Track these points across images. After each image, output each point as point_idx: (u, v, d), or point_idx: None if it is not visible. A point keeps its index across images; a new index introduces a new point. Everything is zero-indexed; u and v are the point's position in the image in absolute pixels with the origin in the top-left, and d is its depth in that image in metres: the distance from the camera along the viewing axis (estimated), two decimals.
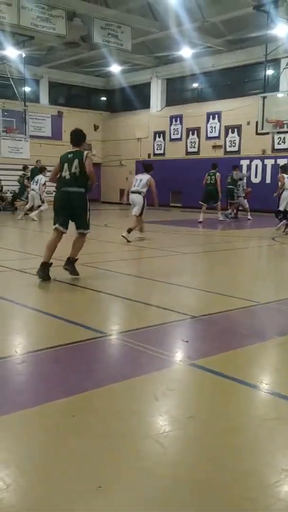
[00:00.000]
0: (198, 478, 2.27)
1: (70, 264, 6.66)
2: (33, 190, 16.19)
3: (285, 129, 16.78)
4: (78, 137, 6.91)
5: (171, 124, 24.80)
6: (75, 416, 2.82)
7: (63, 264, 6.67)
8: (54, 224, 6.65)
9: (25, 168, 18.98)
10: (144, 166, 11.58)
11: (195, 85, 24.50)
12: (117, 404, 3.01)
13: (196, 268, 8.41)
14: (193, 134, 23.89)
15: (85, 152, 6.63)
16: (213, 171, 16.04)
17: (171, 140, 24.87)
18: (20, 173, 19.10)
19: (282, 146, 20.48)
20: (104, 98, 29.13)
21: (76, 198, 6.55)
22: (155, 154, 25.54)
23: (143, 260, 8.86)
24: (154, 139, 25.64)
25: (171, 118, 24.76)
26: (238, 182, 17.75)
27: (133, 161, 26.04)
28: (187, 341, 4.20)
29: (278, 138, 20.27)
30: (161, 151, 25.38)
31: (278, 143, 20.53)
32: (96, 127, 28.25)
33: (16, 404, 2.95)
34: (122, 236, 10.49)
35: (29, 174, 18.51)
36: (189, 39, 20.14)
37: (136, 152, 26.06)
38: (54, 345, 4.00)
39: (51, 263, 6.52)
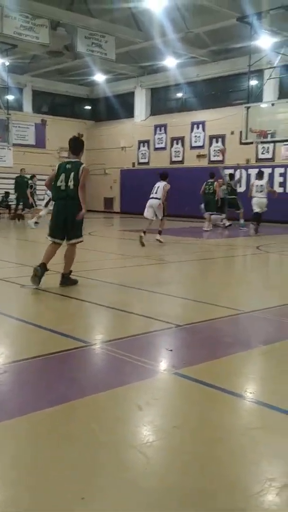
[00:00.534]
0: (182, 489, 2.24)
1: (65, 279, 6.64)
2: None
3: (268, 139, 16.95)
4: (76, 145, 6.90)
5: (155, 133, 24.91)
6: (58, 426, 2.78)
7: (60, 283, 6.61)
8: (50, 235, 6.65)
9: (32, 177, 18.87)
10: (160, 175, 12.81)
11: (179, 94, 24.67)
12: (101, 414, 2.98)
13: (181, 277, 8.41)
14: (177, 143, 24.02)
15: (82, 166, 6.60)
16: (211, 180, 16.25)
17: (156, 149, 24.97)
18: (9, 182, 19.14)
19: (266, 156, 20.69)
20: (88, 107, 29.18)
21: (72, 209, 6.52)
22: (139, 163, 25.61)
23: (128, 268, 8.84)
24: (139, 148, 25.72)
25: (156, 127, 24.88)
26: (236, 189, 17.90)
27: (117, 170, 26.09)
28: (171, 350, 4.19)
29: (262, 148, 20.47)
30: (146, 160, 25.45)
31: (262, 153, 20.73)
32: (80, 136, 28.23)
33: None
34: (157, 239, 11.83)
35: (35, 182, 18.50)
36: (173, 49, 20.30)
37: (121, 161, 26.11)
38: (37, 354, 3.95)
39: (47, 269, 6.46)
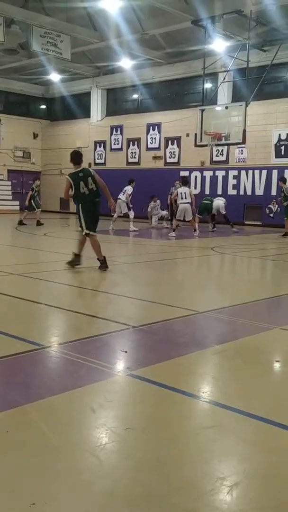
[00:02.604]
0: (136, 491, 2.24)
1: (104, 263, 8.13)
2: (119, 199, 16.14)
3: (223, 141, 17.21)
4: (79, 157, 8.42)
5: (111, 134, 24.89)
6: (8, 431, 2.73)
7: (102, 267, 8.08)
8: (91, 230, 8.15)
9: (35, 179, 18.42)
10: (182, 181, 15.95)
11: (135, 96, 24.73)
12: (53, 418, 2.94)
13: (137, 278, 8.42)
14: (133, 144, 24.07)
15: (92, 170, 8.34)
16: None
17: (112, 150, 24.95)
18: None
19: (220, 158, 21.00)
20: (43, 106, 28.86)
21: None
22: (95, 164, 25.52)
23: (83, 270, 8.77)
24: (95, 148, 25.63)
25: (112, 128, 24.85)
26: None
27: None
28: (126, 352, 4.18)
29: (216, 151, 20.77)
30: (102, 161, 25.39)
31: (217, 155, 21.03)
32: (35, 135, 27.94)
33: None
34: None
35: (38, 185, 18.12)
36: (129, 51, 20.34)
37: None
38: None
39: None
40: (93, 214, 8.19)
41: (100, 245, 8.14)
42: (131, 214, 16.57)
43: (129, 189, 16.46)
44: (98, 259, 8.15)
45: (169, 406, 3.17)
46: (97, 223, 8.28)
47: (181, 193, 15.23)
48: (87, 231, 8.11)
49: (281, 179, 16.07)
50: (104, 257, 8.11)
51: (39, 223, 17.08)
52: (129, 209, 16.57)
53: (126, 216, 16.62)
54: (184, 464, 2.49)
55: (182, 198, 15.14)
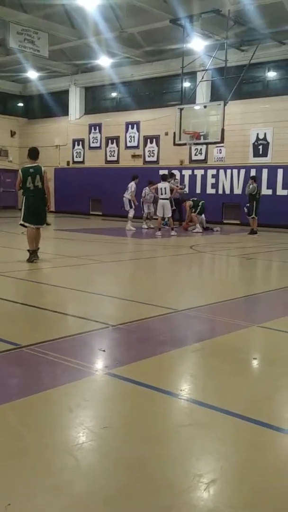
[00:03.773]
0: (113, 490, 2.24)
1: (35, 253, 8.75)
2: (124, 197, 16.37)
3: (201, 140, 17.26)
4: (35, 153, 9.18)
5: (90, 132, 24.77)
6: None
7: (30, 258, 8.62)
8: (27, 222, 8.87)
9: None
10: (162, 176, 15.67)
11: (114, 94, 24.66)
12: (29, 418, 2.91)
13: (115, 276, 8.40)
14: (112, 143, 24.00)
15: (43, 168, 8.92)
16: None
17: (90, 148, 24.84)
18: None
19: (199, 157, 21.07)
20: (21, 104, 28.58)
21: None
22: (74, 162, 25.39)
23: (61, 269, 8.73)
24: (73, 146, 25.49)
25: (90, 126, 24.74)
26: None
27: (51, 168, 25.70)
28: (104, 350, 4.17)
29: (195, 150, 20.83)
30: (81, 159, 25.27)
31: (195, 154, 21.10)
32: (12, 133, 27.66)
33: None
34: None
35: None
36: (107, 49, 20.26)
37: (55, 159, 25.77)
38: None
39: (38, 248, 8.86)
40: (32, 208, 8.82)
41: (34, 238, 8.80)
42: (131, 212, 16.52)
43: (132, 185, 16.43)
44: (28, 250, 8.76)
45: (147, 405, 3.17)
46: (38, 217, 8.90)
47: (161, 188, 15.12)
48: (22, 222, 8.87)
49: (252, 177, 16.38)
50: (34, 250, 8.75)
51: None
52: (130, 207, 16.57)
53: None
54: (161, 462, 2.49)
55: (162, 194, 15.09)
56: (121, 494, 2.21)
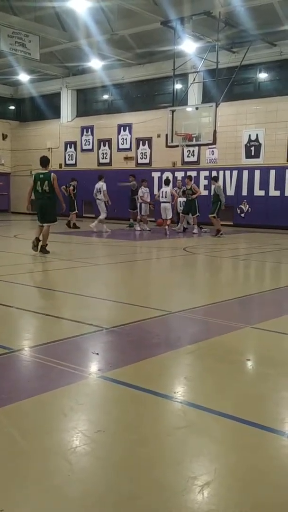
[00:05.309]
0: (107, 493, 2.22)
1: (43, 249, 10.11)
2: (98, 199, 16.40)
3: (193, 142, 17.29)
4: (45, 161, 10.65)
5: (82, 135, 24.76)
6: None
7: (40, 251, 10.00)
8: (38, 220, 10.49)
9: (73, 179, 18.45)
10: (164, 181, 16.90)
11: (106, 96, 24.66)
12: (23, 422, 2.90)
13: (109, 279, 8.39)
14: (104, 145, 23.99)
15: (52, 175, 10.36)
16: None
17: (83, 150, 24.82)
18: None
19: (191, 159, 21.10)
20: (12, 107, 28.52)
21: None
22: (66, 164, 25.36)
23: (55, 272, 8.70)
24: (65, 149, 25.46)
25: (82, 128, 24.72)
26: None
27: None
28: (97, 354, 4.15)
29: (187, 151, 20.86)
30: (73, 162, 25.24)
31: (188, 156, 21.13)
32: (4, 136, 27.60)
33: None
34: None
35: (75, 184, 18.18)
36: (98, 51, 20.27)
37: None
38: None
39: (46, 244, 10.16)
40: (38, 208, 10.42)
41: (41, 234, 10.25)
42: (103, 215, 16.48)
43: (103, 186, 16.42)
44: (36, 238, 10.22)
45: (141, 408, 3.16)
46: (44, 216, 10.35)
47: (162, 191, 16.37)
48: (38, 221, 10.47)
49: (214, 178, 16.95)
50: (42, 245, 10.11)
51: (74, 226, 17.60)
52: (107, 209, 16.65)
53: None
54: (156, 465, 2.48)
55: (162, 197, 16.31)
56: (115, 497, 2.19)
